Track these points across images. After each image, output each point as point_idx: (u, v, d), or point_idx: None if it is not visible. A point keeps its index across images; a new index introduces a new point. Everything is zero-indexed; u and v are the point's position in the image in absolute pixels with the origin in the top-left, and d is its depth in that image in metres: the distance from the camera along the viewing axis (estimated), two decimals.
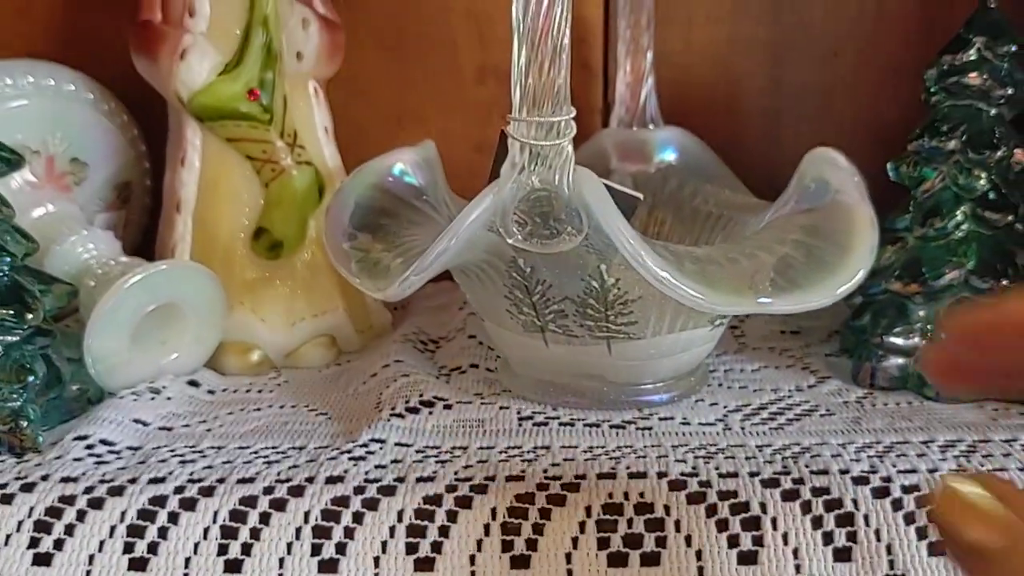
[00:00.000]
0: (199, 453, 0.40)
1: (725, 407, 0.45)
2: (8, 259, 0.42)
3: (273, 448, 0.41)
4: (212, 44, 0.50)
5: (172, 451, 0.41)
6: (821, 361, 0.52)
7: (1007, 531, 0.23)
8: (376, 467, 0.38)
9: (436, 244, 0.38)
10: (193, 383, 0.49)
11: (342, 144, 0.56)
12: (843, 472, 0.36)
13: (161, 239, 0.54)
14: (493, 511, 0.35)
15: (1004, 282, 0.46)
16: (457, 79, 0.63)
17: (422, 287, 0.65)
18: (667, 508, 0.35)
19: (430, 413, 0.44)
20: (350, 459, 0.39)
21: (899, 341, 0.47)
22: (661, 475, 0.36)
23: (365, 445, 0.40)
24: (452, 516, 0.35)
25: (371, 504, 0.36)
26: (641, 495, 0.35)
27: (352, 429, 0.42)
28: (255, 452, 0.40)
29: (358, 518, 0.35)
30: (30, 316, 0.42)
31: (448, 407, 0.44)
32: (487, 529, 0.35)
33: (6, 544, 0.36)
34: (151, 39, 0.50)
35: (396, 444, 0.40)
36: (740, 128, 0.63)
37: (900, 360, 0.47)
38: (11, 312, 0.41)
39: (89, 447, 0.41)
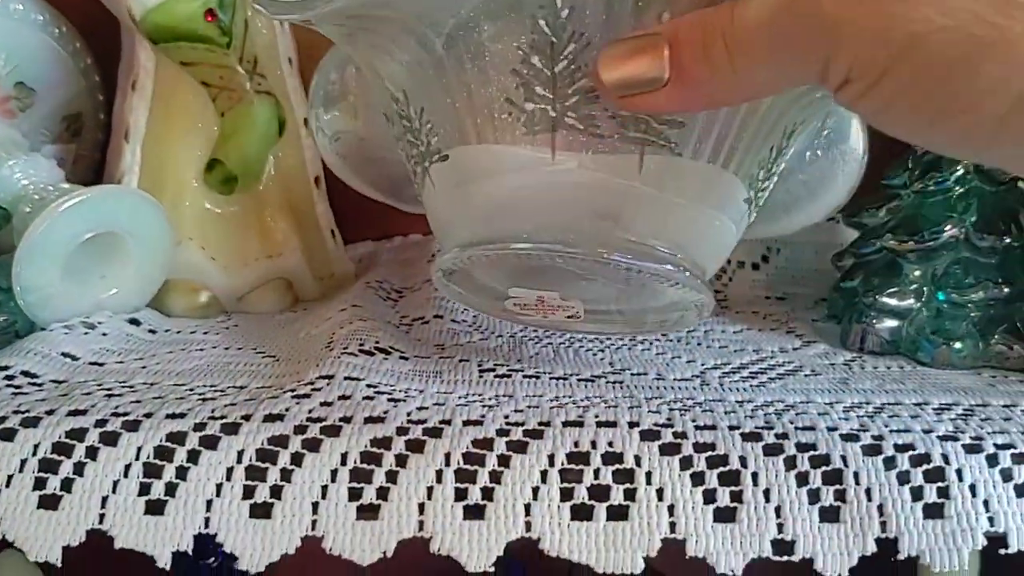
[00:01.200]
0: (128, 388, 0.37)
1: (703, 364, 0.42)
2: None
3: (211, 386, 0.37)
4: None
5: (99, 385, 0.37)
6: (807, 326, 0.50)
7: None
8: (321, 404, 0.34)
9: None
10: (133, 321, 0.46)
11: (307, 81, 0.53)
12: (831, 429, 0.33)
13: (108, 169, 0.50)
14: (447, 456, 0.32)
15: (1006, 240, 0.43)
16: None
17: (390, 240, 0.63)
18: (638, 459, 0.32)
19: (385, 358, 0.40)
20: (293, 397, 0.35)
21: (892, 302, 0.44)
22: (632, 425, 0.33)
23: (312, 383, 0.37)
24: (401, 460, 0.32)
25: (312, 445, 0.32)
26: (610, 444, 0.32)
27: (299, 370, 0.39)
28: (190, 389, 0.37)
29: (297, 459, 0.32)
30: None
31: (404, 358, 0.41)
32: (439, 475, 0.32)
33: None
34: None
35: (345, 378, 0.37)
36: None
37: (893, 323, 0.44)
38: None
39: (9, 378, 0.37)
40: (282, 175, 0.50)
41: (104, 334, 0.43)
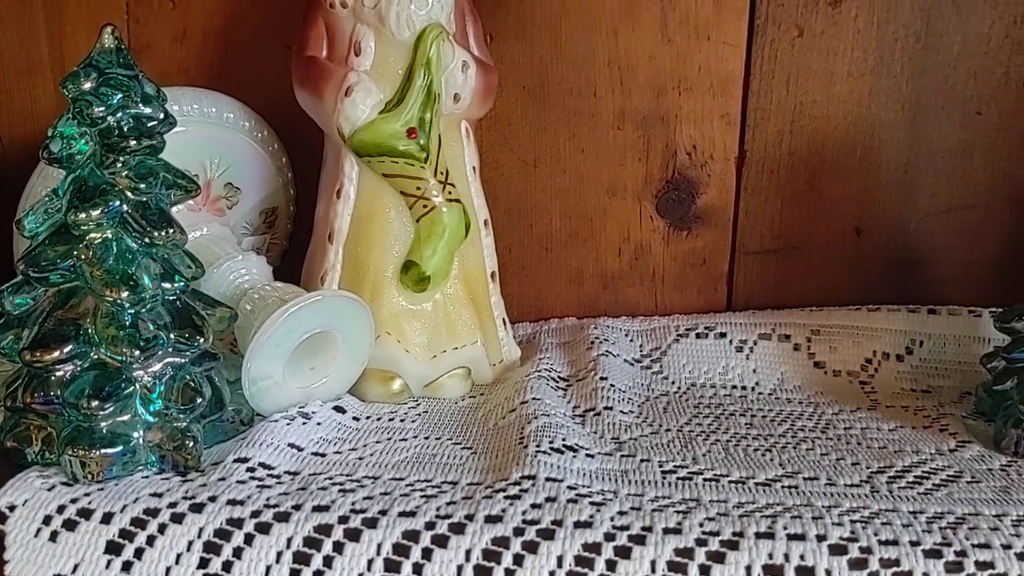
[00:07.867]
0: (357, 483, 0.41)
1: (868, 467, 0.45)
2: (181, 283, 0.44)
3: (427, 481, 0.42)
4: (375, 83, 0.51)
5: (330, 479, 0.42)
6: (958, 423, 0.52)
7: None
8: (532, 506, 0.38)
9: None
10: (339, 408, 0.51)
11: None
12: (1005, 547, 0.36)
13: (310, 266, 0.55)
14: (652, 564, 0.36)
15: None
16: (594, 123, 0.64)
17: (546, 321, 0.67)
18: (828, 573, 0.35)
19: (574, 456, 0.44)
20: (506, 498, 0.39)
21: None
22: (820, 538, 0.36)
23: (517, 483, 0.41)
24: (611, 566, 0.36)
25: (531, 547, 0.36)
26: (802, 558, 0.35)
27: (500, 465, 0.43)
28: (410, 485, 0.41)
29: (518, 560, 0.36)
30: (201, 339, 0.43)
31: (590, 455, 0.45)
32: None
33: (176, 563, 0.38)
34: (317, 75, 0.52)
35: (547, 479, 0.41)
36: (874, 181, 0.63)
37: None
38: (185, 335, 0.43)
39: (250, 470, 0.42)
40: (465, 272, 0.55)
41: (319, 423, 0.48)
